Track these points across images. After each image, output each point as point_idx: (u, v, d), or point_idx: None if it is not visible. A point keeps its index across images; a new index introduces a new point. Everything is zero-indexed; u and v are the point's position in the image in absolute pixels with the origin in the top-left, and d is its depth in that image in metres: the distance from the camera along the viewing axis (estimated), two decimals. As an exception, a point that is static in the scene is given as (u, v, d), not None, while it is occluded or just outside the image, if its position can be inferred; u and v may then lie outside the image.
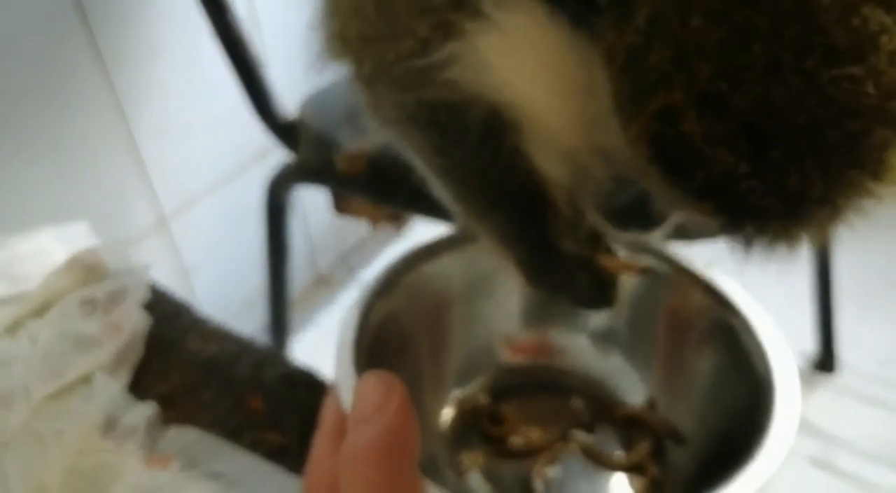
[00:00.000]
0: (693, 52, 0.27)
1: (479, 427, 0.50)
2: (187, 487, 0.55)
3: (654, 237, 0.47)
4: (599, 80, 0.31)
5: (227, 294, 1.41)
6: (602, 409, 0.51)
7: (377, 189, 1.01)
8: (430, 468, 0.35)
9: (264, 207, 1.16)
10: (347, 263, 1.75)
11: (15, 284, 0.71)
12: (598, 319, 0.52)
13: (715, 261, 0.48)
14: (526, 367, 0.53)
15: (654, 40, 0.28)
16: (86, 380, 0.62)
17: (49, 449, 0.57)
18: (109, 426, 0.59)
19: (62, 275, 0.70)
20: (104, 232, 0.82)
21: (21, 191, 1.02)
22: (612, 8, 0.30)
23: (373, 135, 0.50)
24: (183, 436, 0.59)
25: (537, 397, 0.52)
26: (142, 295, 0.69)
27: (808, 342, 1.44)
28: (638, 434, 0.49)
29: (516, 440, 0.49)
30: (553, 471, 0.47)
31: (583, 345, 0.53)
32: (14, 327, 0.67)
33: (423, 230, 0.51)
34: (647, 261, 0.49)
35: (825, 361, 1.44)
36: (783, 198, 0.29)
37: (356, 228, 1.76)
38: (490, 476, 0.47)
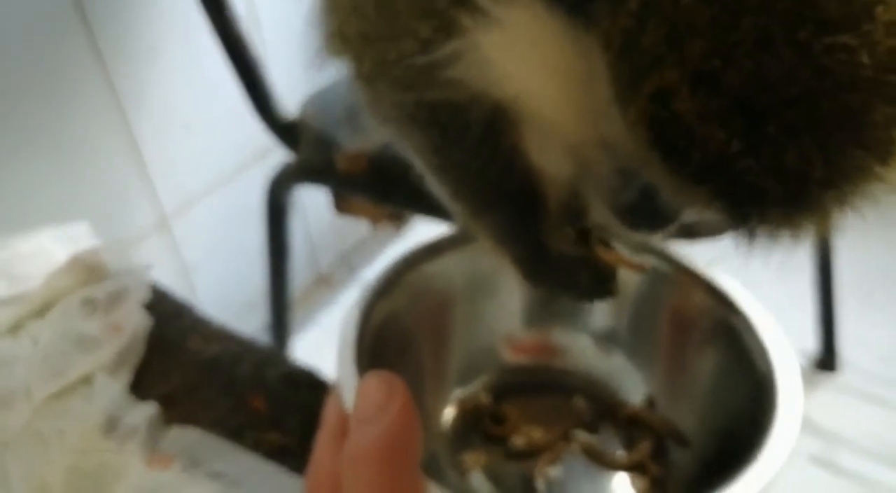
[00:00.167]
0: (685, 31, 0.27)
1: (480, 427, 0.50)
2: (189, 487, 0.55)
3: (657, 236, 0.47)
4: (599, 70, 0.30)
5: (227, 294, 1.41)
6: (604, 409, 0.51)
7: (378, 189, 1.01)
8: (431, 468, 0.35)
9: (265, 206, 1.15)
10: (348, 262, 1.75)
11: (16, 284, 0.71)
12: (599, 318, 0.52)
13: (716, 260, 0.48)
14: (528, 366, 0.53)
15: (647, 22, 0.28)
16: (87, 380, 0.62)
17: (50, 449, 0.57)
18: (111, 426, 0.59)
19: (63, 275, 0.70)
20: (105, 232, 0.82)
21: (21, 191, 1.02)
22: None
23: (373, 134, 0.50)
24: (184, 436, 0.59)
25: (539, 396, 0.52)
26: (143, 295, 0.69)
27: (810, 341, 1.44)
28: (639, 434, 0.49)
29: (518, 440, 0.49)
30: (555, 471, 0.47)
31: (585, 345, 0.53)
32: (15, 328, 0.67)
33: (424, 230, 0.51)
34: (649, 260, 0.49)
35: (826, 359, 1.44)
36: (782, 179, 0.28)
37: (357, 227, 1.76)
38: (492, 476, 0.47)
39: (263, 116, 1.05)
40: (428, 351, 0.51)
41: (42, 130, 1.03)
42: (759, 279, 0.50)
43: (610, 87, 0.30)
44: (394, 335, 0.46)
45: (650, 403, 0.50)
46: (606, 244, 0.44)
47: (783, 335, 0.43)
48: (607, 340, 0.52)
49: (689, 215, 0.36)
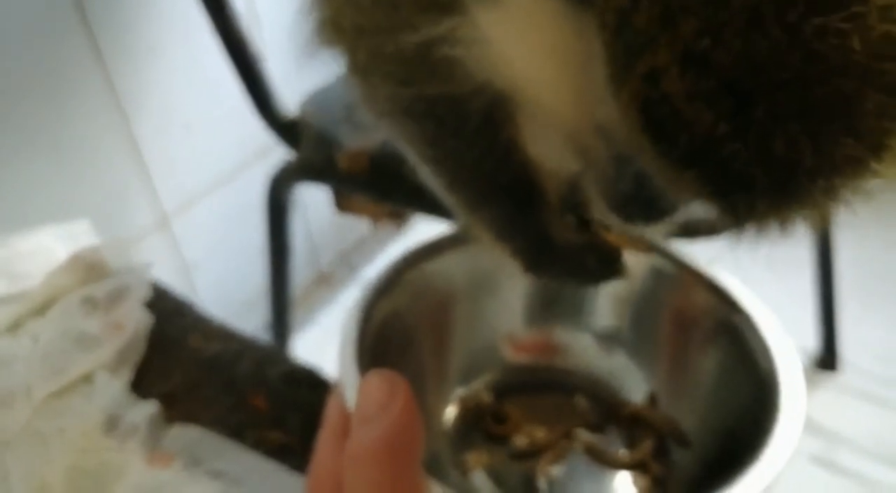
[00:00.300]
0: (678, 10, 0.26)
1: (482, 426, 0.50)
2: (189, 485, 0.55)
3: (657, 235, 0.47)
4: (596, 50, 0.30)
5: (228, 293, 1.41)
6: (606, 408, 0.51)
7: (379, 187, 1.00)
8: (433, 467, 0.35)
9: (265, 205, 1.15)
10: (348, 261, 1.75)
11: (16, 282, 0.71)
12: (601, 317, 0.52)
13: (717, 259, 0.48)
14: (529, 365, 0.53)
15: (640, 1, 0.27)
16: (87, 379, 0.62)
17: (51, 448, 0.57)
18: (111, 424, 0.59)
19: (63, 273, 0.70)
20: (105, 231, 0.82)
21: (22, 190, 1.02)
22: None
23: (372, 131, 0.49)
24: (185, 435, 0.59)
25: (541, 395, 0.52)
26: (143, 293, 0.69)
27: (810, 340, 1.44)
28: (642, 433, 0.48)
29: (520, 439, 0.48)
30: (557, 470, 0.47)
31: (586, 343, 0.53)
32: (15, 326, 0.67)
33: (425, 229, 0.51)
34: (651, 260, 0.49)
35: (827, 359, 1.44)
36: (770, 166, 0.28)
37: (357, 226, 1.76)
38: (494, 475, 0.47)
39: (264, 115, 1.05)
40: (429, 350, 0.51)
41: (42, 130, 1.03)
42: (759, 278, 0.50)
43: (605, 68, 0.30)
44: (395, 334, 0.46)
45: (652, 400, 0.50)
46: (607, 228, 0.44)
47: (785, 334, 0.43)
48: (609, 339, 0.52)
49: (686, 210, 0.36)
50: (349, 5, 0.43)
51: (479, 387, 0.52)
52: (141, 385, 0.63)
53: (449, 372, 0.52)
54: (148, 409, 0.60)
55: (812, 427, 1.33)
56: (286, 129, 1.06)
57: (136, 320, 0.66)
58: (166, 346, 0.67)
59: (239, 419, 0.61)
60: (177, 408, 0.61)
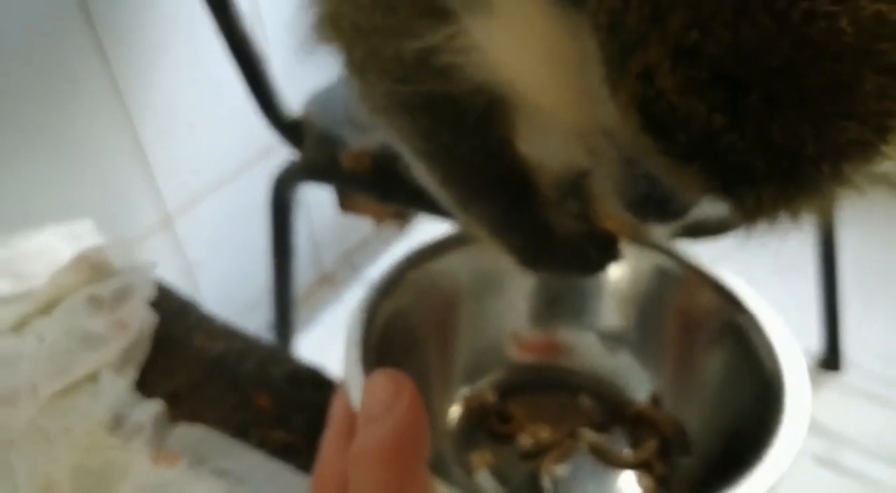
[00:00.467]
0: (666, 5, 0.26)
1: (486, 425, 0.50)
2: (194, 484, 0.55)
3: (662, 235, 0.47)
4: (591, 53, 0.30)
5: (231, 292, 1.41)
6: (610, 407, 0.51)
7: (382, 187, 1.01)
8: (438, 467, 0.35)
9: (269, 205, 1.15)
10: (351, 261, 1.75)
11: (21, 282, 0.72)
12: (606, 317, 0.52)
13: (721, 259, 0.48)
14: (534, 365, 0.53)
15: (631, 0, 0.27)
16: (93, 378, 0.63)
17: (56, 447, 0.57)
18: (116, 423, 0.59)
19: (68, 273, 0.70)
20: (108, 231, 0.82)
21: (26, 190, 1.02)
22: None
23: (376, 132, 0.49)
24: (190, 434, 0.59)
25: (545, 395, 0.52)
26: (148, 293, 0.69)
27: (814, 341, 1.44)
28: (646, 433, 0.48)
29: (524, 439, 0.49)
30: (561, 469, 0.47)
31: (591, 343, 0.53)
32: (21, 325, 0.67)
33: (428, 228, 0.51)
34: (656, 259, 0.49)
35: (830, 359, 1.44)
36: (770, 155, 0.27)
37: (360, 226, 1.76)
38: (498, 474, 0.47)
39: (267, 115, 1.05)
40: (434, 350, 0.51)
41: (46, 129, 1.03)
42: (762, 279, 0.50)
43: (601, 69, 0.30)
44: (399, 334, 0.46)
45: (655, 401, 0.50)
46: (605, 214, 0.44)
47: (790, 335, 0.43)
48: (614, 338, 0.52)
49: (699, 210, 0.36)
50: (348, 4, 0.43)
51: (484, 386, 0.52)
52: (146, 384, 0.63)
53: (453, 372, 0.52)
54: (153, 408, 0.60)
55: (815, 428, 1.33)
56: (289, 128, 1.06)
57: (140, 319, 0.66)
58: (171, 345, 0.67)
59: (243, 418, 0.61)
60: (181, 407, 0.62)
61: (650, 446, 0.48)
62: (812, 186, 0.29)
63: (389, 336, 0.44)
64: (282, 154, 1.11)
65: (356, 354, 0.41)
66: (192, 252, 1.32)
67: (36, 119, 1.01)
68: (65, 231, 0.78)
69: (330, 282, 1.70)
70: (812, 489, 1.24)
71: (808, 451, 1.30)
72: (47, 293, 0.69)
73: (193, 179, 1.30)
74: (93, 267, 0.70)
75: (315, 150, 1.05)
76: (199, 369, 0.65)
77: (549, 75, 0.34)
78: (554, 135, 0.40)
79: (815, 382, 1.42)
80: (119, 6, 1.08)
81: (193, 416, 0.61)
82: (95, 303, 0.67)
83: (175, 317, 0.70)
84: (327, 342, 1.35)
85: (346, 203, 1.50)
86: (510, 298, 0.53)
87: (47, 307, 0.68)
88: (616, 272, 0.51)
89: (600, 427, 0.49)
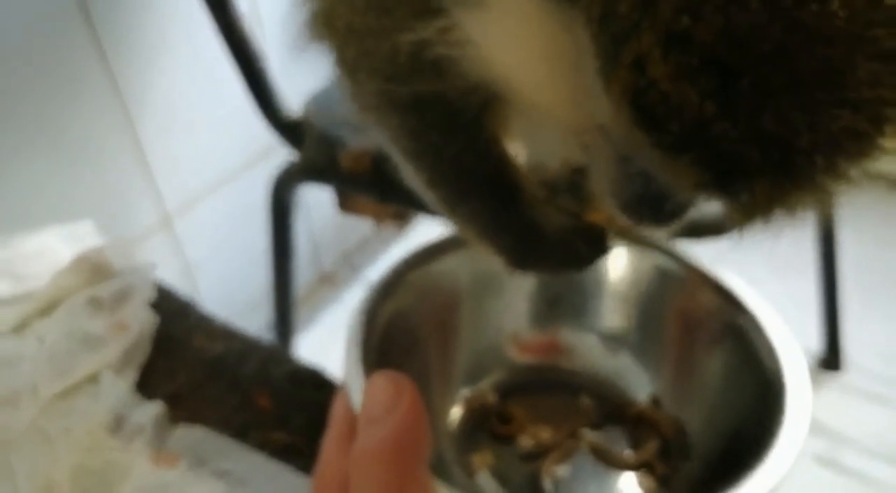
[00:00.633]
0: None
1: (487, 426, 0.50)
2: (195, 485, 0.55)
3: (662, 235, 0.47)
4: (585, 47, 0.30)
5: (231, 293, 1.41)
6: (611, 408, 0.51)
7: (382, 187, 1.01)
8: (438, 468, 0.35)
9: (268, 205, 1.16)
10: (351, 261, 1.75)
11: (21, 283, 0.72)
12: (607, 318, 0.52)
13: (721, 260, 0.48)
14: (534, 366, 0.53)
15: None
16: (93, 379, 0.62)
17: (57, 448, 0.57)
18: (117, 424, 0.59)
19: (68, 274, 0.70)
20: (108, 231, 0.82)
21: (25, 190, 1.02)
22: None
23: (370, 131, 0.49)
24: (190, 435, 0.59)
25: (546, 396, 0.52)
26: (148, 294, 0.69)
27: (814, 341, 1.44)
28: (646, 433, 0.49)
29: (525, 440, 0.49)
30: (562, 470, 0.47)
31: (591, 344, 0.53)
32: (21, 327, 0.67)
33: (428, 229, 0.51)
34: (657, 260, 0.49)
35: (831, 359, 1.44)
36: (763, 145, 0.27)
37: (359, 226, 1.76)
38: (499, 475, 0.47)
39: (267, 115, 1.05)
40: (434, 350, 0.51)
41: (46, 129, 1.03)
42: (762, 279, 0.50)
43: (594, 62, 0.29)
44: (400, 335, 0.46)
45: (655, 401, 0.50)
46: (592, 208, 0.44)
47: (791, 335, 0.43)
48: (614, 339, 0.52)
49: (695, 210, 0.36)
50: (343, 4, 0.43)
51: (485, 387, 0.52)
52: (146, 385, 0.63)
53: (454, 373, 0.52)
54: (153, 409, 0.60)
55: (816, 427, 1.33)
56: (289, 129, 1.06)
57: (141, 320, 0.66)
58: (171, 346, 0.67)
59: (244, 419, 0.61)
60: (182, 408, 0.61)
61: (651, 447, 0.48)
62: (806, 180, 0.28)
63: (390, 337, 0.44)
64: (281, 154, 1.11)
65: (357, 354, 0.41)
66: (191, 253, 1.32)
67: (35, 119, 1.01)
68: (65, 232, 0.78)
69: (330, 282, 1.70)
70: (812, 489, 1.24)
71: (808, 451, 1.30)
72: (47, 294, 0.69)
73: (193, 180, 1.30)
74: (93, 268, 0.70)
75: (315, 150, 1.05)
76: (199, 370, 0.65)
77: (544, 71, 0.34)
78: (548, 132, 0.40)
79: (815, 382, 1.41)
80: (119, 6, 1.08)
81: (194, 417, 0.61)
82: (96, 304, 0.67)
83: (175, 318, 0.70)
84: (327, 343, 1.34)
85: (345, 203, 1.50)
86: (511, 298, 0.53)
87: (48, 309, 0.68)
88: (616, 273, 0.51)
89: (601, 428, 0.49)
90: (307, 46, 0.47)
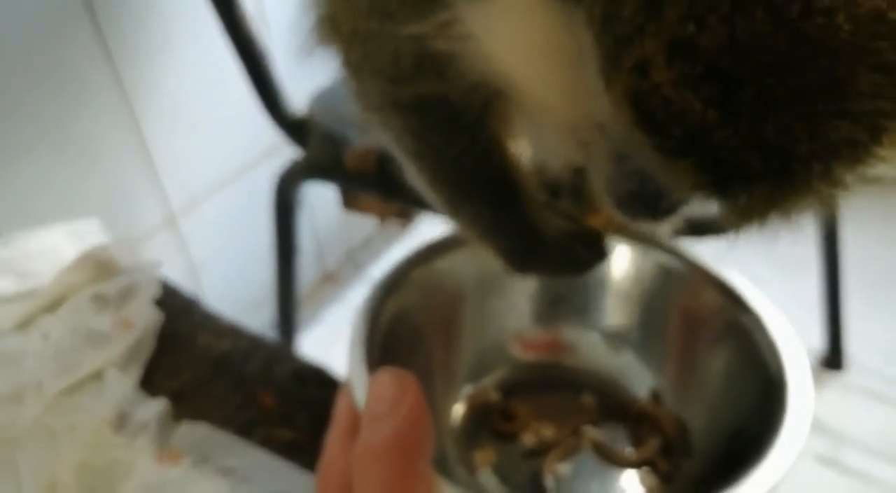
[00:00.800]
0: None
1: (490, 424, 0.50)
2: (199, 483, 0.55)
3: (664, 233, 0.47)
4: (586, 46, 0.30)
5: (234, 291, 1.41)
6: (613, 406, 0.51)
7: (386, 185, 1.01)
8: (441, 465, 0.35)
9: (273, 204, 1.16)
10: (354, 259, 1.75)
11: (26, 280, 0.72)
12: (609, 316, 0.53)
13: (723, 258, 0.48)
14: (537, 364, 0.54)
15: None
16: (98, 376, 0.63)
17: (61, 445, 0.58)
18: (121, 421, 0.59)
19: (73, 271, 0.70)
20: (112, 230, 0.82)
21: (30, 188, 1.02)
22: None
23: (374, 131, 0.50)
24: (194, 432, 0.59)
25: (548, 393, 0.52)
26: (153, 291, 0.69)
27: (816, 339, 1.44)
28: (649, 431, 0.49)
29: (528, 437, 0.49)
30: (564, 467, 0.48)
31: (594, 342, 0.53)
32: (26, 323, 0.68)
33: (431, 227, 0.51)
34: (660, 258, 0.49)
35: (833, 358, 1.44)
36: (763, 153, 0.27)
37: (363, 224, 1.76)
38: (501, 473, 0.47)
39: (272, 114, 1.06)
40: (438, 348, 0.51)
41: (51, 129, 1.03)
42: (764, 277, 0.50)
43: (596, 62, 0.29)
44: (404, 333, 0.46)
45: (655, 396, 0.50)
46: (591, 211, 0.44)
47: (794, 334, 0.43)
48: (617, 337, 0.52)
49: (691, 208, 0.36)
50: (346, 8, 0.43)
51: (488, 385, 0.52)
52: (150, 383, 0.64)
53: (457, 370, 0.52)
54: (157, 406, 0.60)
55: (817, 426, 1.33)
56: (294, 127, 1.07)
57: (145, 317, 0.67)
58: (176, 344, 0.67)
59: (248, 417, 0.61)
60: (186, 405, 0.62)
61: (653, 444, 0.48)
62: (803, 186, 0.28)
63: (394, 335, 0.44)
64: (286, 153, 1.12)
65: (360, 352, 0.41)
66: (196, 251, 1.33)
67: (40, 118, 1.01)
68: (70, 230, 0.78)
69: (333, 280, 1.70)
70: (814, 488, 1.24)
71: (809, 450, 1.30)
72: (52, 292, 0.69)
73: (197, 178, 1.30)
74: (98, 266, 0.70)
75: (319, 149, 1.05)
76: (203, 368, 0.65)
77: (544, 67, 0.34)
78: (550, 132, 0.40)
79: (817, 380, 1.41)
80: (124, 5, 1.08)
81: (198, 414, 0.61)
82: (100, 301, 0.68)
83: (180, 315, 0.70)
84: (330, 341, 1.35)
85: (349, 202, 1.50)
86: (514, 296, 0.53)
87: (52, 306, 0.69)
88: (619, 271, 0.51)
89: (603, 426, 0.50)
90: (314, 50, 0.48)
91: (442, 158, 0.45)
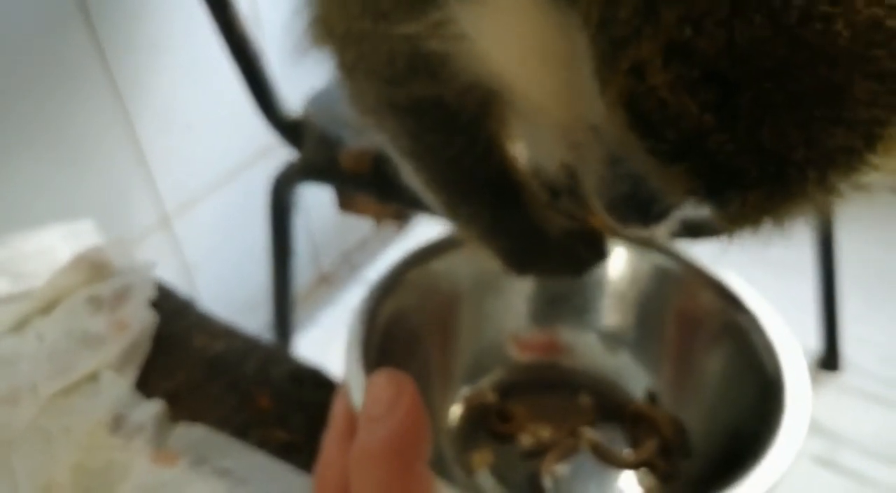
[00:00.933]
0: (660, 0, 0.26)
1: (487, 425, 0.50)
2: (195, 484, 0.55)
3: (661, 235, 0.47)
4: (581, 48, 0.29)
5: (229, 293, 1.41)
6: (610, 407, 0.51)
7: (382, 187, 1.00)
8: (438, 466, 0.35)
9: (268, 205, 1.15)
10: (350, 261, 1.75)
11: (21, 281, 0.72)
12: (606, 317, 0.52)
13: (720, 259, 0.48)
14: (534, 365, 0.54)
15: None
16: (93, 377, 0.62)
17: (56, 447, 0.57)
18: (117, 423, 0.59)
19: (68, 273, 0.70)
20: (107, 230, 0.82)
21: (24, 189, 1.02)
22: None
23: (370, 132, 0.50)
24: (190, 433, 0.59)
25: (546, 394, 0.52)
26: (148, 293, 0.69)
27: (813, 341, 1.44)
28: (646, 432, 0.49)
29: (525, 438, 0.49)
30: (561, 468, 0.48)
31: (591, 343, 0.53)
32: (21, 325, 0.67)
33: (427, 228, 0.51)
34: (657, 259, 0.49)
35: (829, 359, 1.44)
36: (758, 159, 0.27)
37: (358, 226, 1.76)
38: (499, 474, 0.47)
39: (267, 115, 1.05)
40: (435, 349, 0.51)
41: (44, 129, 1.03)
42: (760, 279, 0.50)
43: (590, 63, 0.29)
44: (401, 334, 0.46)
45: (651, 397, 0.50)
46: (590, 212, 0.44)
47: (791, 335, 0.43)
48: (614, 338, 0.52)
49: (683, 212, 0.36)
50: (340, 9, 0.43)
51: (485, 386, 0.52)
52: (146, 384, 0.63)
53: (454, 371, 0.52)
54: (153, 408, 0.60)
55: (814, 427, 1.32)
56: (289, 128, 1.06)
57: (140, 319, 0.66)
58: (171, 345, 0.67)
59: (244, 418, 0.61)
60: (182, 407, 0.62)
61: (650, 445, 0.48)
62: (797, 192, 0.28)
63: (390, 336, 0.44)
64: (281, 154, 1.11)
65: (357, 353, 0.41)
66: (190, 252, 1.32)
67: (34, 118, 1.01)
68: (64, 231, 0.78)
69: (329, 282, 1.70)
70: (810, 489, 1.24)
71: (806, 451, 1.30)
72: (47, 293, 0.69)
73: (192, 179, 1.30)
74: (92, 267, 0.70)
75: (314, 150, 1.05)
76: (199, 369, 0.65)
77: (537, 68, 0.34)
78: (542, 131, 0.40)
79: (813, 382, 1.41)
80: (118, 6, 1.08)
81: (194, 415, 0.61)
82: (95, 303, 0.67)
83: (175, 317, 0.70)
84: (326, 343, 1.35)
85: (345, 203, 1.50)
86: (511, 297, 0.53)
87: (47, 307, 0.68)
88: (616, 272, 0.51)
89: (601, 426, 0.49)
90: (308, 51, 0.47)
91: (439, 159, 0.45)
